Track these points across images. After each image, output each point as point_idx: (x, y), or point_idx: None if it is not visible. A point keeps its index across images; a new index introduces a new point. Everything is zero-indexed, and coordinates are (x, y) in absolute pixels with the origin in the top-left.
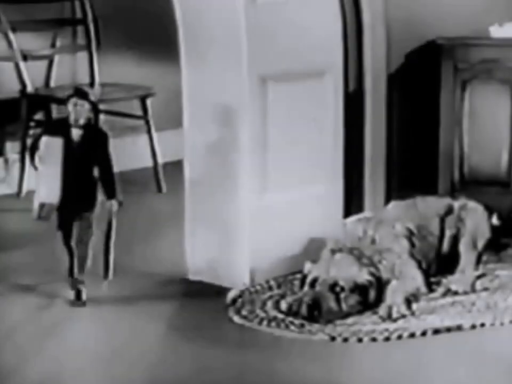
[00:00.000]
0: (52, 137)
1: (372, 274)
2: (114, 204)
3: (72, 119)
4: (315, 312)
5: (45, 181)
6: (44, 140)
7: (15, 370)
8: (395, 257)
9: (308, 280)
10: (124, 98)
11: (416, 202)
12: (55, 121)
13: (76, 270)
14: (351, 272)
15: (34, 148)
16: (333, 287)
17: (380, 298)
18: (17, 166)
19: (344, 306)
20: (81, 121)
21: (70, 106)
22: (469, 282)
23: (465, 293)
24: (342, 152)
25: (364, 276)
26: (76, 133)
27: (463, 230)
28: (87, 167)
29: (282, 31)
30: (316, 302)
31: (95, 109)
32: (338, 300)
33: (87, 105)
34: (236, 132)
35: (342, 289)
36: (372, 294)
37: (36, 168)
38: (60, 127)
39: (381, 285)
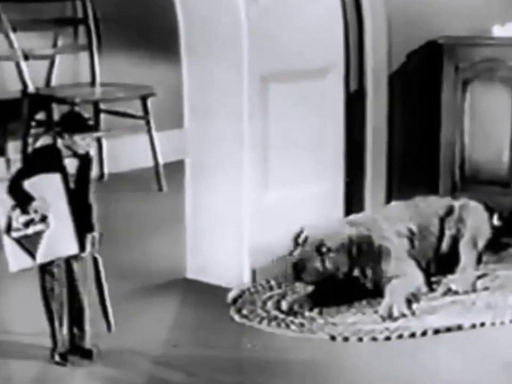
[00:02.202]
0: (46, 175)
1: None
2: (95, 236)
3: (67, 147)
4: (300, 272)
5: (57, 230)
6: (38, 179)
7: None
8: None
9: (300, 239)
10: (124, 98)
11: (416, 202)
12: (40, 149)
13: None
14: (341, 229)
15: (22, 195)
16: (319, 247)
17: (367, 258)
18: (18, 165)
19: (328, 265)
20: (81, 151)
21: (69, 140)
22: (469, 282)
23: (466, 292)
24: (343, 151)
25: (352, 232)
26: (71, 165)
27: (463, 230)
28: (83, 202)
29: (283, 31)
30: (301, 262)
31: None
32: (323, 261)
33: (89, 134)
34: (236, 132)
35: (329, 249)
36: (355, 250)
37: (31, 217)
38: (50, 159)
39: (370, 246)
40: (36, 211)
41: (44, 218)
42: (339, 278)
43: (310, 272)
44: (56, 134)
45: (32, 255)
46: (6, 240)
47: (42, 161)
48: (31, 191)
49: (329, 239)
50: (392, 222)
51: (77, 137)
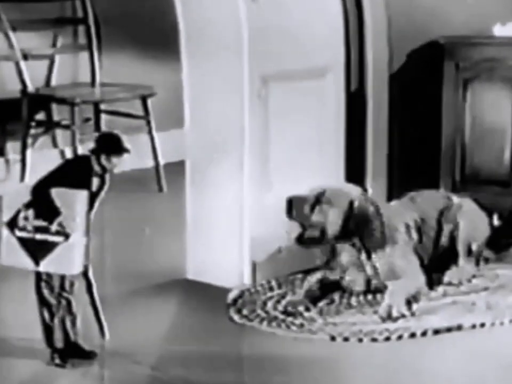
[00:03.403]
0: (78, 191)
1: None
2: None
3: (100, 166)
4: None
5: (71, 248)
6: (69, 193)
7: None
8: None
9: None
10: (125, 98)
11: (413, 196)
12: (74, 160)
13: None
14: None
15: (46, 204)
16: (319, 196)
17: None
18: (18, 166)
19: (317, 216)
20: (109, 171)
21: (105, 160)
22: (464, 275)
23: (466, 293)
24: (344, 150)
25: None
26: (95, 183)
27: (460, 226)
28: None
29: (283, 31)
30: (294, 200)
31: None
32: (313, 208)
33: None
34: (237, 132)
35: (328, 202)
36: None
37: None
38: (81, 174)
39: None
40: (60, 224)
41: (64, 233)
42: (328, 240)
43: (298, 212)
44: (92, 152)
45: (35, 260)
46: (5, 233)
47: (74, 173)
48: (59, 203)
49: (333, 194)
50: (400, 215)
51: (114, 158)
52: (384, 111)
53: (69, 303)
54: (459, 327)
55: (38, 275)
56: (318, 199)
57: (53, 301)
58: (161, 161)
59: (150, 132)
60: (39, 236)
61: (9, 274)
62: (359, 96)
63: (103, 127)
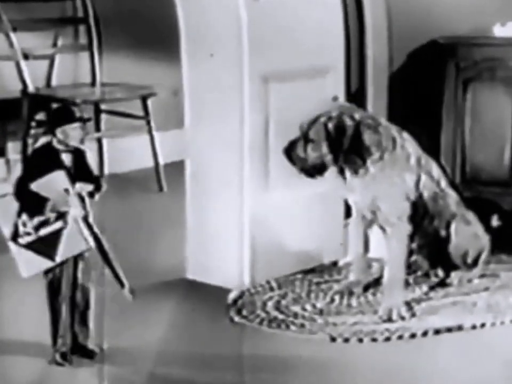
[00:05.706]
0: (54, 174)
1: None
2: (85, 187)
3: (60, 142)
4: (290, 156)
5: (72, 226)
6: (46, 179)
7: None
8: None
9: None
10: (125, 98)
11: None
12: (38, 149)
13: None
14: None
15: (33, 197)
16: (305, 134)
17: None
18: (18, 166)
19: (311, 153)
20: (74, 144)
21: (61, 133)
22: (464, 276)
23: (466, 294)
24: None
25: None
26: (67, 159)
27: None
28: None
29: (283, 31)
30: (290, 147)
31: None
32: (305, 147)
33: (78, 125)
34: (237, 132)
35: (312, 139)
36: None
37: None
38: (49, 158)
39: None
40: (52, 210)
41: (61, 216)
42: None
43: (296, 157)
44: (49, 132)
45: (49, 256)
46: (13, 248)
47: (42, 161)
48: (42, 192)
49: (314, 129)
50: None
51: (67, 128)
52: (383, 111)
53: (85, 293)
54: (460, 327)
55: (52, 275)
56: (306, 139)
57: (67, 291)
58: (161, 161)
59: (150, 132)
60: (42, 232)
61: (10, 274)
62: (359, 96)
63: (103, 127)
